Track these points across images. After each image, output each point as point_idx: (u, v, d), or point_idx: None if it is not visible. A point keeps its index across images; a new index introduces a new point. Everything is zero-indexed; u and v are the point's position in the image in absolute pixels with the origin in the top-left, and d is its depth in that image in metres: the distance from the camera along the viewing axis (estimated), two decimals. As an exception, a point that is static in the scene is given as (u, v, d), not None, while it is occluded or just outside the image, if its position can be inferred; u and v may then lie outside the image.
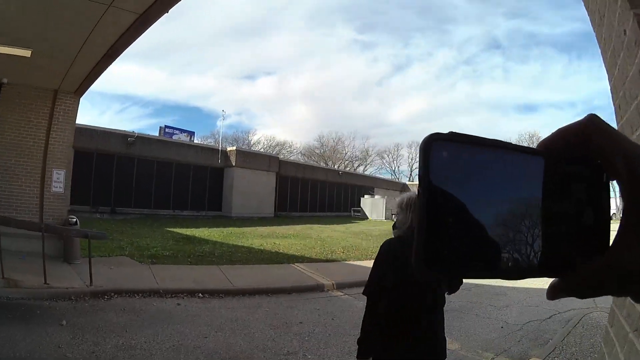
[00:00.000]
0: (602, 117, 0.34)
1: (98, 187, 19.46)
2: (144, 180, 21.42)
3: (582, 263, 0.33)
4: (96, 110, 67.00)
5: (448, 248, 0.30)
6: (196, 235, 14.07)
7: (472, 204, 0.31)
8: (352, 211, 33.47)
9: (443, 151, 0.31)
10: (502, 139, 0.33)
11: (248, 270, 8.76)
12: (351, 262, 10.59)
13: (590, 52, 72.13)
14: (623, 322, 0.97)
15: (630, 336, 0.91)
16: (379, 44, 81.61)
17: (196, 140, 31.82)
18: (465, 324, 5.87)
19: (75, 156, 18.39)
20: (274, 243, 13.16)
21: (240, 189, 24.39)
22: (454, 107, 75.85)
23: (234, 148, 26.45)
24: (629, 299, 0.44)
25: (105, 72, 7.55)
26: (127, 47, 6.27)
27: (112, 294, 6.25)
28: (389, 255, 2.20)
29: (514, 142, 0.34)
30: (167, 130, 28.98)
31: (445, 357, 2.23)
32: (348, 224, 24.15)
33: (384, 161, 61.92)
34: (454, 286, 2.36)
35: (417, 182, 0.31)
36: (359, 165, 59.30)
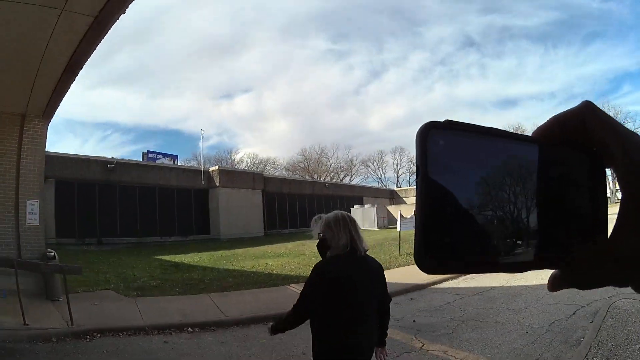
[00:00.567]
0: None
1: (82, 218, 18.80)
2: (128, 208, 20.75)
3: (581, 252, 0.33)
4: (78, 139, 66.53)
5: (448, 238, 0.30)
6: (185, 261, 13.46)
7: (469, 193, 0.31)
8: (343, 223, 32.88)
9: (440, 140, 0.31)
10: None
11: (241, 296, 8.15)
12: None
13: (566, 39, 73.61)
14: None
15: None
16: (354, 52, 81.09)
17: (179, 164, 31.09)
18: (487, 334, 5.34)
19: (57, 187, 18.13)
20: (267, 264, 12.51)
21: (227, 210, 23.68)
22: (433, 109, 76.09)
23: (217, 168, 25.84)
24: None
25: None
26: (87, 57, 5.95)
27: (95, 333, 5.72)
28: (325, 277, 2.16)
29: None
30: (150, 155, 28.53)
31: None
32: (341, 236, 23.49)
33: (369, 169, 61.85)
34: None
35: (415, 172, 0.31)
36: (344, 176, 59.02)
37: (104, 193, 19.83)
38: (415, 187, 0.30)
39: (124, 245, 19.09)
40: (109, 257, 14.51)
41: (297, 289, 8.58)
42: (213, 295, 8.09)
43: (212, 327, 6.20)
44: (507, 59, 77.27)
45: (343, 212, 2.32)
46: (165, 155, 29.61)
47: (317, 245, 2.29)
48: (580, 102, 0.35)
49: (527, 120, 62.76)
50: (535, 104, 78.20)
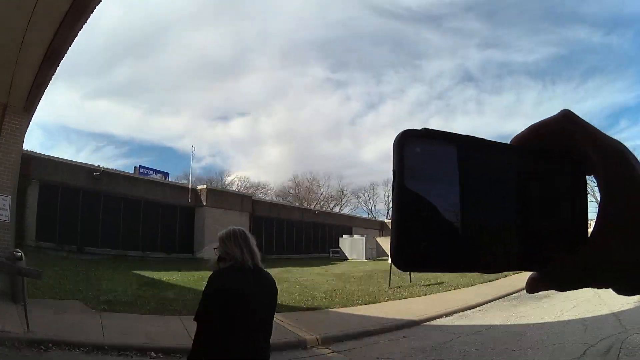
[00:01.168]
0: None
1: (64, 224, 18.08)
2: (112, 219, 20.05)
3: (560, 255, 0.33)
4: (73, 147, 65.54)
5: (424, 242, 0.31)
6: (163, 279, 12.86)
7: (446, 199, 0.31)
8: (330, 252, 31.94)
9: (416, 147, 0.31)
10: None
11: (216, 321, 7.36)
12: (336, 310, 9.16)
13: (565, 75, 73.70)
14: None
15: None
16: (352, 82, 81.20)
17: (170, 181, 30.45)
18: (492, 379, 4.77)
19: (41, 189, 17.43)
20: (249, 287, 11.72)
21: (212, 231, 22.80)
22: (428, 143, 76.28)
23: (205, 186, 25.24)
24: None
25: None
26: (67, 46, 5.91)
27: (50, 344, 5.35)
28: (215, 286, 2.24)
29: None
30: (142, 170, 28.02)
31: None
32: (327, 266, 22.71)
33: (360, 200, 61.36)
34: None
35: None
36: (335, 205, 58.48)
37: (88, 201, 19.21)
38: (391, 191, 0.32)
39: (104, 255, 18.33)
40: (86, 266, 14.03)
41: (279, 319, 7.89)
42: (185, 318, 7.13)
43: (177, 355, 5.49)
44: (505, 95, 77.80)
45: (236, 227, 2.44)
46: (157, 171, 29.12)
47: (216, 260, 2.41)
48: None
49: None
50: (531, 141, 79.58)
